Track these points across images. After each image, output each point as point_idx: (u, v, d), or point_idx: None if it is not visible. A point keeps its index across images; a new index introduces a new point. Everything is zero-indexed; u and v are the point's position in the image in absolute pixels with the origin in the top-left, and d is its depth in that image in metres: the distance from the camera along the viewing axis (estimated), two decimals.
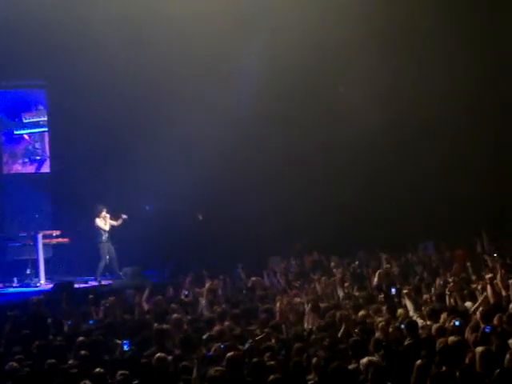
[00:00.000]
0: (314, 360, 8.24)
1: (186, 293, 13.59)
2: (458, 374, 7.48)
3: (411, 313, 10.78)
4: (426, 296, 11.95)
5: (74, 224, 19.00)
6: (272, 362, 8.30)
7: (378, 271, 14.15)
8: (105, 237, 18.19)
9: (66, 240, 18.31)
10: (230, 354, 8.29)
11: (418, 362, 7.67)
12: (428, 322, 10.06)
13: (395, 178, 20.38)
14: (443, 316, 10.10)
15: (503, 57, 20.10)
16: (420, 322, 10.09)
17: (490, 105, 20.32)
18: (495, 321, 9.62)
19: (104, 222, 18.19)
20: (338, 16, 18.99)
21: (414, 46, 20.07)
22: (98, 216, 18.18)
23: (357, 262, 16.19)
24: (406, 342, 8.82)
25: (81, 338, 9.78)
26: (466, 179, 20.13)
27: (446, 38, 19.87)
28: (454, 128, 20.40)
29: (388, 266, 15.19)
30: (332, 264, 16.43)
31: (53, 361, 8.73)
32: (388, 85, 19.89)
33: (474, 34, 19.62)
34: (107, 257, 18.17)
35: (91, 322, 11.56)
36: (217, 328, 10.42)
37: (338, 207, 20.27)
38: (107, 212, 18.27)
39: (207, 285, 12.54)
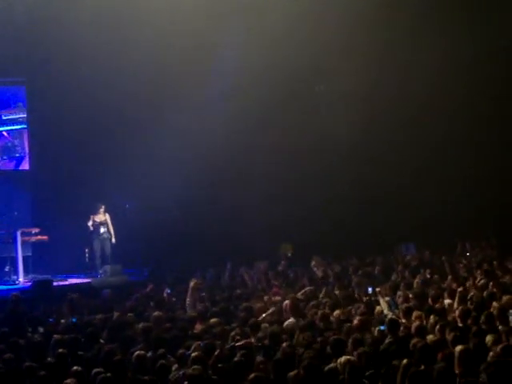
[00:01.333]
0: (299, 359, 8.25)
1: (168, 291, 13.58)
2: (435, 373, 7.52)
3: (385, 311, 10.84)
4: (402, 294, 12.00)
5: (53, 221, 18.93)
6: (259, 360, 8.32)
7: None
8: (98, 232, 18.08)
9: (44, 238, 18.21)
10: (194, 354, 8.30)
11: (404, 361, 7.68)
12: (403, 320, 10.14)
13: (380, 180, 20.41)
14: (415, 314, 10.15)
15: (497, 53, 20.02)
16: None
17: (479, 109, 20.25)
18: (470, 320, 9.71)
19: (93, 219, 18.08)
20: (320, 15, 19.00)
21: (397, 43, 20.02)
22: (95, 213, 18.12)
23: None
24: (387, 341, 8.86)
25: (58, 336, 9.72)
26: (450, 182, 20.23)
27: (432, 34, 19.84)
28: (440, 129, 20.47)
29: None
30: (313, 263, 16.48)
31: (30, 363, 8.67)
32: (371, 82, 19.91)
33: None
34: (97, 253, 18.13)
35: (74, 319, 11.52)
36: (197, 326, 10.43)
37: (324, 208, 20.37)
38: (105, 210, 18.21)
39: (192, 283, 12.47)
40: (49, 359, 8.84)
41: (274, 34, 18.94)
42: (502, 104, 20.36)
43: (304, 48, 19.44)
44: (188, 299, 12.14)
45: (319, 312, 10.65)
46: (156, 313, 11.09)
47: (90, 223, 18.02)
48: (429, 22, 19.70)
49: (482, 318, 9.63)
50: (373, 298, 11.90)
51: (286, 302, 11.32)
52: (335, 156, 20.74)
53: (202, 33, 18.89)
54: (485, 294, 11.43)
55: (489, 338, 8.53)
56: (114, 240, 18.24)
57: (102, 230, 18.13)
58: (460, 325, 9.57)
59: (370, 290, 12.54)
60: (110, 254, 18.22)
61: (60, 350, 8.85)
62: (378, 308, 10.97)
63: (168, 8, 18.20)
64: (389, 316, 10.38)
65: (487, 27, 19.35)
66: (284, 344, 8.88)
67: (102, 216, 18.19)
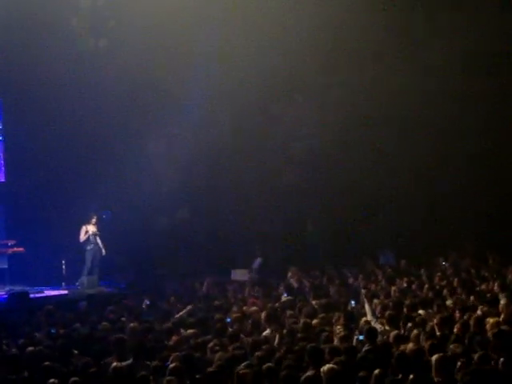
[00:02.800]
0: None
1: (148, 302, 13.52)
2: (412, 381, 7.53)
3: (369, 317, 10.80)
4: (380, 302, 12.01)
5: (29, 233, 18.79)
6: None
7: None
8: (90, 243, 17.92)
9: (21, 249, 18.06)
10: (172, 365, 8.24)
11: (376, 371, 7.66)
12: (386, 327, 10.13)
13: (362, 190, 20.41)
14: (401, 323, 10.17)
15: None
16: (378, 326, 10.15)
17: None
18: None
19: (85, 230, 17.90)
20: (301, 25, 19.08)
21: (381, 54, 19.99)
22: (88, 223, 17.95)
23: None
24: (364, 349, 8.85)
25: (34, 349, 9.63)
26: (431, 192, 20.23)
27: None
28: (428, 142, 20.41)
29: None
30: (289, 274, 16.47)
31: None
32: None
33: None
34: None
35: (53, 331, 11.44)
36: (174, 338, 10.37)
37: (303, 218, 20.41)
38: (96, 220, 18.05)
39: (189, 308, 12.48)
40: (26, 373, 8.77)
41: (254, 45, 19.06)
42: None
43: (284, 57, 19.51)
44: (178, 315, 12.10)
45: (301, 321, 10.60)
46: (132, 324, 11.02)
47: (82, 234, 17.85)
48: (415, 33, 19.70)
49: (458, 325, 9.69)
50: (355, 311, 11.83)
51: (263, 312, 11.30)
52: (317, 167, 20.74)
53: (182, 44, 18.94)
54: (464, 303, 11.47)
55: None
56: (104, 252, 18.07)
57: (95, 240, 17.96)
58: (438, 333, 9.58)
59: (353, 303, 12.49)
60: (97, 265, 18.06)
61: (46, 363, 8.78)
62: (363, 319, 10.88)
63: (149, 25, 18.23)
64: (372, 323, 10.36)
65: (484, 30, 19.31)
66: (260, 353, 8.83)
67: (93, 226, 18.02)
